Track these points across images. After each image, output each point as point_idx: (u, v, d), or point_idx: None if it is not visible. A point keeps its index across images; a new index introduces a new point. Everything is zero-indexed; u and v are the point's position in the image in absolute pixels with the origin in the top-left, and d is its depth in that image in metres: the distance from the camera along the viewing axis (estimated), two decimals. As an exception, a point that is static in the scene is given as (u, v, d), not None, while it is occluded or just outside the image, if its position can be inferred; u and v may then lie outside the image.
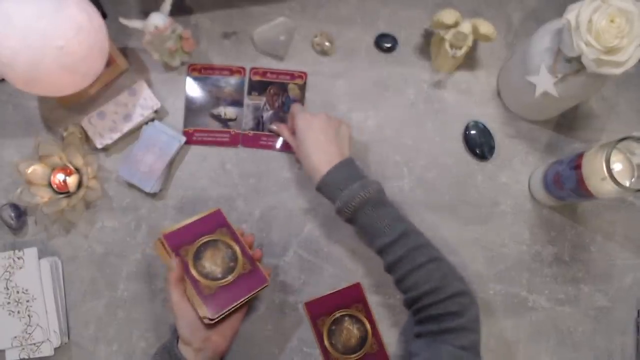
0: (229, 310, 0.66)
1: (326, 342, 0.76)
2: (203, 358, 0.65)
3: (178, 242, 0.68)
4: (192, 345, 0.65)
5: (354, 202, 0.67)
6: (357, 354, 0.76)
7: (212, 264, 0.68)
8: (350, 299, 0.78)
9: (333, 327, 0.76)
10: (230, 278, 0.68)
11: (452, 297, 0.64)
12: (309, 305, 0.77)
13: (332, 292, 0.78)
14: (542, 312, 0.80)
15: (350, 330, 0.76)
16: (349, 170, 0.70)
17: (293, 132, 0.76)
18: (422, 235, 0.69)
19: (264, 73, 0.84)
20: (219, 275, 0.68)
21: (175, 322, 0.66)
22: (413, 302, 0.67)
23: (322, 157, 0.70)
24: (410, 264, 0.66)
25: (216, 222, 0.72)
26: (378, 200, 0.69)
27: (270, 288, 0.78)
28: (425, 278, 0.65)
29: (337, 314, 0.77)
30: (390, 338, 0.78)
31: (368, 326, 0.77)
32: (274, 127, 0.82)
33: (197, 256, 0.68)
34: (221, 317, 0.65)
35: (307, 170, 0.72)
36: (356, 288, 0.78)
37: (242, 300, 0.67)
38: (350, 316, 0.77)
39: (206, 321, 0.65)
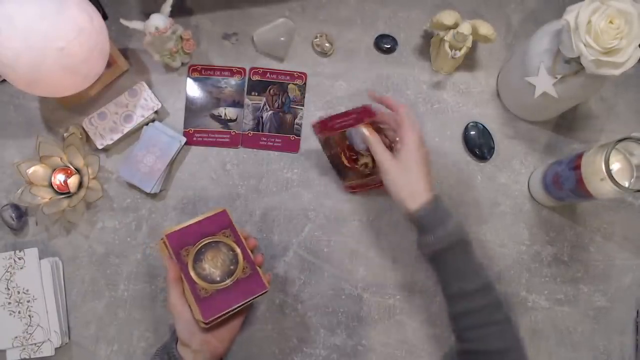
0: (223, 315, 0.65)
1: (192, 273, 0.67)
2: (202, 359, 0.65)
3: (180, 242, 0.67)
4: (191, 347, 0.64)
5: (449, 238, 0.65)
6: (227, 281, 0.68)
7: (212, 266, 0.67)
8: (216, 225, 0.71)
9: (200, 257, 0.68)
10: (228, 282, 0.67)
11: None
12: (170, 237, 0.68)
13: (195, 221, 0.70)
14: (542, 312, 0.80)
15: (218, 257, 0.69)
16: (443, 205, 0.67)
17: (388, 140, 0.72)
18: (498, 291, 0.67)
19: (264, 73, 0.85)
20: (217, 278, 0.67)
21: (174, 323, 0.66)
22: (474, 353, 0.65)
23: (426, 185, 0.67)
24: (486, 318, 0.64)
25: (220, 223, 0.70)
26: (469, 243, 0.66)
27: (271, 288, 0.77)
28: (499, 336, 0.63)
29: (203, 242, 0.69)
30: (389, 337, 0.79)
31: (238, 250, 0.70)
32: (366, 132, 0.70)
33: (198, 257, 0.67)
34: (216, 321, 0.64)
35: (402, 191, 0.67)
36: (222, 214, 0.71)
37: (237, 305, 0.66)
38: (217, 242, 0.70)
39: (201, 324, 0.64)
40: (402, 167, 0.67)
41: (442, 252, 0.65)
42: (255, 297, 0.68)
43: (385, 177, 0.68)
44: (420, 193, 0.66)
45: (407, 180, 0.67)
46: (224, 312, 0.65)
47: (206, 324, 0.64)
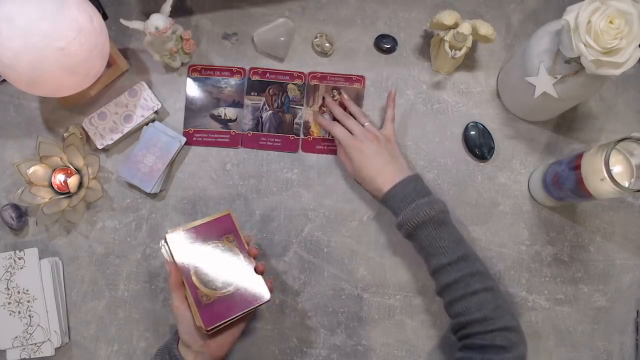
0: (224, 323, 0.64)
1: (194, 278, 0.66)
2: None
3: (182, 244, 0.67)
4: (192, 348, 0.65)
5: (417, 217, 0.68)
6: (229, 289, 0.67)
7: (214, 272, 0.67)
8: (220, 230, 0.70)
9: (203, 262, 0.68)
10: (230, 289, 0.66)
11: (501, 330, 0.63)
12: (173, 238, 0.68)
13: (198, 223, 0.69)
14: (542, 312, 0.80)
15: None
16: (415, 185, 0.72)
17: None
18: (480, 262, 0.68)
19: (263, 73, 0.85)
20: (219, 285, 0.66)
21: (177, 324, 0.66)
22: (460, 327, 0.66)
23: (386, 177, 0.73)
24: (464, 289, 0.65)
25: (224, 227, 0.70)
26: (442, 219, 0.69)
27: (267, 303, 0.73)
28: (478, 306, 0.65)
29: (208, 245, 0.69)
30: (389, 337, 0.79)
31: (241, 257, 0.69)
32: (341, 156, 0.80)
33: (200, 262, 0.67)
34: (217, 329, 0.64)
35: (370, 190, 0.76)
36: (226, 218, 0.71)
37: (238, 314, 0.65)
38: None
39: (202, 331, 0.64)
40: (360, 174, 0.76)
41: (414, 230, 0.69)
42: (257, 306, 0.68)
43: (357, 163, 0.75)
44: (381, 188, 0.73)
45: (370, 183, 0.75)
46: (226, 321, 0.64)
47: (207, 331, 0.63)
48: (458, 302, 0.66)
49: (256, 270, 0.69)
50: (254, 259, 0.70)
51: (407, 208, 0.69)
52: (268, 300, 0.68)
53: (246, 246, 0.70)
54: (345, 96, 0.81)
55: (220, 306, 0.65)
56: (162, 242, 0.68)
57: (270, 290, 0.69)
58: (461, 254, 0.67)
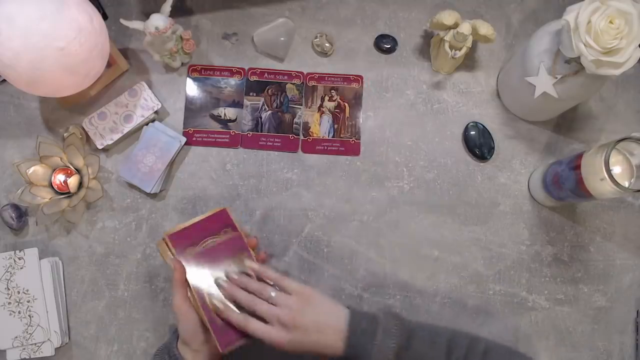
0: (239, 344, 0.64)
1: (207, 299, 0.65)
2: (201, 359, 0.65)
3: (182, 242, 0.67)
4: (191, 347, 0.65)
5: (393, 345, 0.59)
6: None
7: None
8: (218, 225, 0.69)
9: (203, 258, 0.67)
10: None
11: None
12: (172, 237, 0.67)
13: (196, 221, 0.69)
14: (542, 312, 0.80)
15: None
16: (360, 326, 0.61)
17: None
18: (463, 334, 0.63)
19: (262, 73, 0.85)
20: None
21: (177, 322, 0.66)
22: None
23: (329, 333, 0.61)
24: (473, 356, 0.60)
25: (222, 223, 0.70)
26: (408, 334, 0.61)
27: None
28: None
29: (206, 242, 0.68)
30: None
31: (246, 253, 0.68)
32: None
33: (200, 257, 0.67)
34: (231, 349, 0.63)
35: (315, 350, 0.61)
36: (223, 213, 0.70)
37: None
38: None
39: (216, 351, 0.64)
40: (297, 345, 0.61)
41: (399, 355, 0.60)
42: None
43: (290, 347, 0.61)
44: (332, 345, 0.60)
45: (315, 345, 0.61)
46: (240, 342, 0.64)
47: (222, 352, 0.63)
48: None
49: (260, 259, 0.69)
50: (253, 249, 0.70)
51: (373, 348, 0.59)
52: None
53: (245, 238, 0.69)
54: (255, 265, 0.67)
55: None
56: (161, 240, 0.68)
57: (263, 262, 0.68)
58: (449, 335, 0.62)
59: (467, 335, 0.63)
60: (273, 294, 0.63)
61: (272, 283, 0.65)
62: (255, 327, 0.62)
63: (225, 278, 0.66)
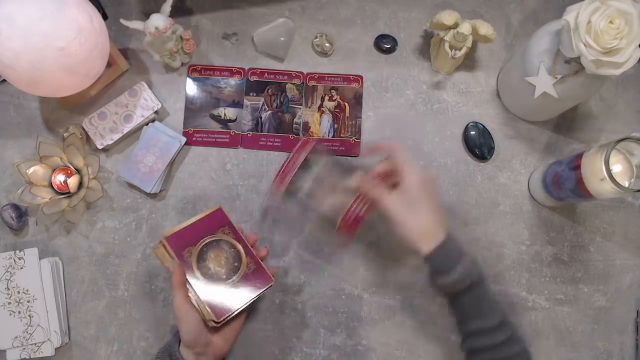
0: (234, 312, 0.65)
1: (197, 274, 0.67)
2: None
3: (180, 244, 0.67)
4: (194, 349, 0.64)
5: (469, 279, 0.63)
6: (233, 278, 0.68)
7: (216, 264, 0.68)
8: (214, 224, 0.70)
9: (203, 256, 0.68)
10: (234, 278, 0.67)
11: None
12: (170, 239, 0.67)
13: (192, 221, 0.70)
14: (542, 312, 0.80)
15: (221, 255, 0.69)
16: (456, 242, 0.65)
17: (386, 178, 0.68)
18: (512, 324, 0.65)
19: (262, 73, 0.85)
20: (224, 276, 0.67)
21: (178, 325, 0.66)
22: None
23: (438, 224, 0.64)
24: (504, 353, 0.63)
25: (218, 221, 0.71)
26: (483, 280, 0.65)
27: (271, 288, 0.77)
28: None
29: (205, 241, 0.69)
30: (389, 337, 0.79)
31: (240, 247, 0.70)
32: (355, 180, 0.70)
33: (201, 257, 0.67)
34: (227, 319, 0.65)
35: (413, 234, 0.64)
36: (218, 212, 0.71)
37: (248, 301, 0.67)
38: (218, 241, 0.70)
39: (211, 324, 0.64)
40: (408, 208, 0.63)
41: (459, 293, 0.64)
42: (264, 291, 0.68)
43: (392, 221, 0.64)
44: (432, 233, 0.63)
45: (416, 222, 0.63)
46: (235, 310, 0.65)
47: (217, 323, 0.64)
48: None
49: (259, 256, 0.70)
50: (253, 245, 0.71)
51: (457, 268, 0.62)
52: (272, 284, 0.69)
53: (242, 235, 0.71)
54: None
55: (227, 297, 0.66)
56: (158, 243, 0.68)
57: (273, 275, 0.70)
58: (501, 318, 0.64)
59: (516, 335, 0.65)
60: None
61: None
62: (380, 190, 0.65)
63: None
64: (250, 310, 0.73)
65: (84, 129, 0.80)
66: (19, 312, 0.75)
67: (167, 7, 0.77)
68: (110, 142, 0.80)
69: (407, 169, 0.64)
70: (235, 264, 0.69)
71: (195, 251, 0.67)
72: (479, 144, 0.83)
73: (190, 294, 0.65)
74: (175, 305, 0.65)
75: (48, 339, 0.75)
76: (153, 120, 0.82)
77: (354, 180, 0.70)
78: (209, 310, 0.64)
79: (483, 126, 0.83)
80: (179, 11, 0.84)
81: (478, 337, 0.64)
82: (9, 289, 0.76)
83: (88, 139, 0.80)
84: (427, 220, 0.63)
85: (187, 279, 0.66)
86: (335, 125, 0.84)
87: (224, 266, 0.68)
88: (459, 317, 0.66)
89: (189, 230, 0.69)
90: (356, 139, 0.83)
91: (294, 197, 0.73)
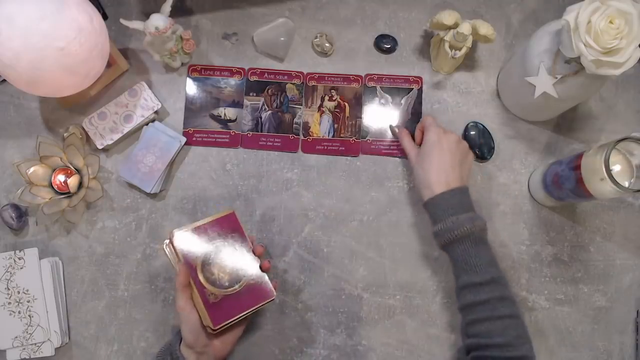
0: (231, 321, 0.65)
1: (201, 277, 0.66)
2: None
3: (189, 246, 0.67)
4: (194, 349, 0.65)
5: (457, 230, 0.67)
6: (235, 287, 0.67)
7: (221, 271, 0.67)
8: (225, 229, 0.70)
9: (208, 261, 0.67)
10: (237, 287, 0.67)
11: (520, 358, 0.63)
12: (179, 239, 0.67)
13: (203, 223, 0.69)
14: (542, 312, 0.80)
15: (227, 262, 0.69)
16: (461, 198, 0.70)
17: (414, 140, 0.79)
18: (509, 289, 0.68)
19: (262, 74, 0.85)
20: (226, 284, 0.67)
21: (180, 324, 0.66)
22: (477, 348, 0.65)
23: (442, 177, 0.71)
24: (490, 312, 0.65)
25: (229, 227, 0.70)
26: (480, 237, 0.68)
27: (272, 302, 0.74)
28: (501, 331, 0.64)
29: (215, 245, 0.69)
30: (389, 337, 0.79)
31: (247, 256, 0.70)
32: (395, 128, 0.82)
33: (207, 261, 0.67)
34: (225, 327, 0.65)
35: (420, 182, 0.73)
36: (230, 217, 0.70)
37: (245, 312, 0.66)
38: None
39: (209, 330, 0.64)
40: (420, 161, 0.74)
41: (451, 243, 0.68)
42: (263, 305, 0.68)
43: (413, 168, 0.76)
44: (436, 184, 0.70)
45: (421, 173, 0.72)
46: (233, 319, 0.65)
47: (214, 330, 0.64)
48: (481, 323, 0.65)
49: (262, 268, 0.70)
50: (259, 257, 0.70)
51: (449, 219, 0.68)
52: (274, 299, 0.68)
53: (251, 245, 0.70)
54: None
55: (227, 304, 0.66)
56: (167, 242, 0.68)
57: (275, 289, 0.69)
58: (494, 275, 0.66)
59: (511, 298, 0.67)
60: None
61: None
62: (408, 143, 0.78)
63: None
64: (250, 319, 0.73)
65: (84, 129, 0.80)
66: (19, 312, 0.75)
67: (167, 7, 0.77)
68: (110, 142, 0.80)
69: (428, 129, 0.75)
70: (240, 273, 0.68)
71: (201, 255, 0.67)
72: (479, 144, 0.83)
73: (193, 295, 0.65)
74: (178, 305, 0.65)
75: (48, 339, 0.75)
76: (153, 120, 0.82)
77: (394, 130, 0.82)
78: (207, 316, 0.64)
79: (483, 126, 0.83)
80: (179, 11, 0.84)
81: (466, 292, 0.67)
82: (9, 289, 0.76)
83: (88, 139, 0.80)
84: (431, 173, 0.71)
85: (191, 281, 0.65)
86: (335, 125, 0.84)
87: (228, 273, 0.67)
88: (453, 271, 0.70)
89: (199, 232, 0.68)
90: (356, 139, 0.83)
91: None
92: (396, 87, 0.85)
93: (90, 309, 0.78)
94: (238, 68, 0.85)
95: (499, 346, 0.63)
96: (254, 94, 0.84)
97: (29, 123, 0.82)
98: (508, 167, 0.83)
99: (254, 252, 0.70)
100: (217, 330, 0.64)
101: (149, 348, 0.77)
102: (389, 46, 0.85)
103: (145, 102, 0.80)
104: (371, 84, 0.85)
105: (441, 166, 0.71)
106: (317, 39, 0.85)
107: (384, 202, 0.82)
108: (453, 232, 0.67)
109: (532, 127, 0.84)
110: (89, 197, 0.78)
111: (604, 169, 0.64)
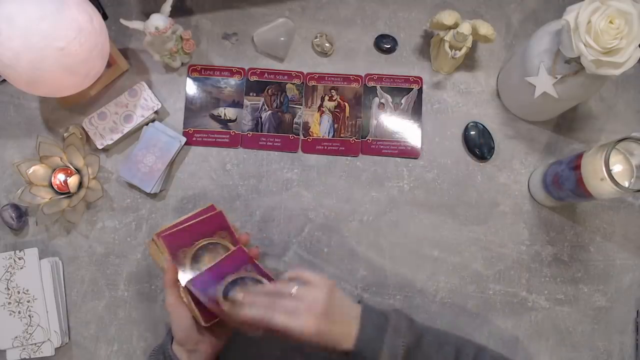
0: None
1: (190, 274, 0.65)
2: (196, 358, 0.65)
3: (176, 243, 0.67)
4: (186, 347, 0.65)
5: (402, 344, 0.58)
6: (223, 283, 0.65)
7: None
8: (213, 226, 0.69)
9: (197, 259, 0.66)
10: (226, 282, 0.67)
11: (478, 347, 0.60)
12: (166, 237, 0.65)
13: (191, 222, 0.67)
14: (542, 312, 0.80)
15: (216, 259, 0.66)
16: (372, 321, 0.60)
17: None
18: (468, 341, 0.62)
19: (262, 74, 0.85)
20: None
21: (171, 323, 0.66)
22: None
23: (346, 326, 0.59)
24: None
25: (216, 224, 0.70)
26: (417, 335, 0.60)
27: None
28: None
29: (201, 244, 0.68)
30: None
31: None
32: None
33: (195, 260, 0.67)
34: (215, 321, 0.64)
35: (331, 343, 0.58)
36: (218, 215, 0.69)
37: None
38: (215, 244, 0.68)
39: (201, 324, 0.64)
40: (319, 337, 0.58)
41: (407, 356, 0.59)
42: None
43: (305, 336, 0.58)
44: (343, 339, 0.58)
45: (327, 335, 0.58)
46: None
47: (205, 325, 0.64)
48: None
49: (249, 255, 0.68)
50: (245, 245, 0.69)
51: (383, 352, 0.57)
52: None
53: (239, 241, 0.70)
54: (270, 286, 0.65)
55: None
56: (151, 242, 0.68)
57: (256, 258, 0.68)
58: (454, 351, 0.60)
59: (475, 345, 0.62)
60: (294, 290, 0.60)
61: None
62: (281, 319, 0.58)
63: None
64: None
65: (84, 129, 0.80)
66: (19, 312, 0.75)
67: (167, 7, 0.77)
68: (110, 142, 0.80)
69: (312, 280, 0.61)
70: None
71: (190, 252, 0.67)
72: (479, 144, 0.83)
73: (182, 294, 0.65)
74: (167, 303, 0.65)
75: (48, 339, 0.75)
76: (153, 120, 0.82)
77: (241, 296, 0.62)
78: (197, 312, 0.63)
79: (483, 126, 0.83)
80: (179, 11, 0.84)
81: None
82: (9, 289, 0.76)
83: (88, 139, 0.80)
84: (334, 332, 0.58)
85: (179, 279, 0.65)
86: (335, 125, 0.84)
87: None
88: None
89: (186, 231, 0.68)
90: (356, 139, 0.83)
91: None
92: (396, 87, 0.85)
93: (90, 309, 0.78)
94: (238, 68, 0.85)
95: None
96: (254, 94, 0.84)
97: (29, 123, 0.82)
98: (508, 167, 0.83)
99: (239, 242, 0.69)
100: (209, 325, 0.64)
101: (149, 348, 0.77)
102: (389, 46, 0.85)
103: (145, 102, 0.80)
104: (371, 84, 0.85)
105: (342, 322, 0.59)
106: (317, 39, 0.85)
107: (384, 202, 0.82)
108: (401, 346, 0.58)
109: (532, 127, 0.84)
110: (89, 197, 0.78)
111: (604, 169, 0.64)
